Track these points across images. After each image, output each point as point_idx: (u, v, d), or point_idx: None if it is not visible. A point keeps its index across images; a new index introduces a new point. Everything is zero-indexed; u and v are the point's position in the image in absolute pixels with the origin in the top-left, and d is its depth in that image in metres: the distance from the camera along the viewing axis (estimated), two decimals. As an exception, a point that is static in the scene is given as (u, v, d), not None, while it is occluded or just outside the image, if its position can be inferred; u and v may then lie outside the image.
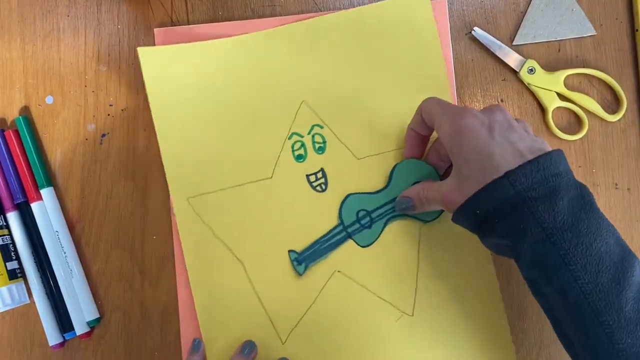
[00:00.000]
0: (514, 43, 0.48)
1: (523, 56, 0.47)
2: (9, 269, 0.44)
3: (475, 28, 0.47)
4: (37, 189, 0.45)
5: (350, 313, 0.44)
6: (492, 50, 0.47)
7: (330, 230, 0.45)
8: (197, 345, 0.43)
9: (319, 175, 0.45)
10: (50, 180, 0.46)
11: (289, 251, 0.44)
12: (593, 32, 0.48)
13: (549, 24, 0.47)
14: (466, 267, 0.45)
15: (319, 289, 0.44)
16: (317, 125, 0.46)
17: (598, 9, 0.48)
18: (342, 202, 0.45)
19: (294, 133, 0.46)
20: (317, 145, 0.46)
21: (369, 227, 0.45)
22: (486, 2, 0.48)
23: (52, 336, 0.44)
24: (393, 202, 0.44)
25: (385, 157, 0.46)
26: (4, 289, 0.43)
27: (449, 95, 0.46)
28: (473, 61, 0.48)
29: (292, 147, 0.46)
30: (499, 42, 0.47)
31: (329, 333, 0.44)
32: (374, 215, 0.45)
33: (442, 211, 0.44)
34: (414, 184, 0.44)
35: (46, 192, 0.45)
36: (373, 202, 0.45)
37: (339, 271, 0.44)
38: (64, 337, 0.45)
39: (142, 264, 0.46)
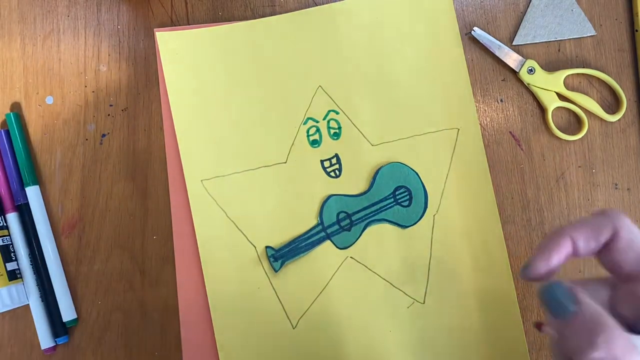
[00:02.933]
0: (514, 43, 0.48)
1: (523, 56, 0.47)
2: (8, 269, 0.44)
3: (475, 28, 0.47)
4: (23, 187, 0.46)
5: (362, 299, 0.44)
6: (491, 50, 0.47)
7: (310, 230, 0.45)
8: None
9: (334, 161, 0.46)
10: (36, 179, 0.46)
11: (266, 247, 0.44)
12: (593, 33, 0.48)
13: (548, 24, 0.48)
14: (478, 254, 0.45)
15: (330, 275, 0.44)
16: (333, 110, 0.46)
17: (598, 10, 0.48)
18: (324, 203, 0.45)
19: (309, 118, 0.46)
20: (332, 131, 0.46)
21: (348, 229, 0.45)
22: (486, 2, 0.48)
23: (44, 340, 0.44)
24: (374, 206, 0.45)
25: (400, 144, 0.46)
26: (4, 290, 0.43)
27: (468, 84, 0.47)
28: (473, 61, 0.48)
29: (307, 132, 0.46)
30: (498, 42, 0.47)
31: (340, 319, 0.44)
32: (354, 218, 0.45)
33: (423, 215, 0.45)
34: (397, 188, 0.45)
35: (31, 190, 0.45)
36: (354, 204, 0.45)
37: (351, 257, 0.45)
38: (55, 341, 0.45)
39: (142, 264, 0.46)
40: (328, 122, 0.46)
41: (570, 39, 0.48)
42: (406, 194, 0.45)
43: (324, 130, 0.46)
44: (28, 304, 0.45)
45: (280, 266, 0.44)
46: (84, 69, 0.47)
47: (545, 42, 0.48)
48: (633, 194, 0.47)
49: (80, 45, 0.47)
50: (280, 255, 0.44)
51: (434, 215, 0.45)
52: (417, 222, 0.45)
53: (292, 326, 0.44)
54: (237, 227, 0.45)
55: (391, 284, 0.45)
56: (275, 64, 0.46)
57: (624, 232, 0.26)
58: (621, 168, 0.47)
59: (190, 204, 0.45)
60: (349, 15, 0.47)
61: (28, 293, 0.45)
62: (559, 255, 0.27)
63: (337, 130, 0.46)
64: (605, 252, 0.27)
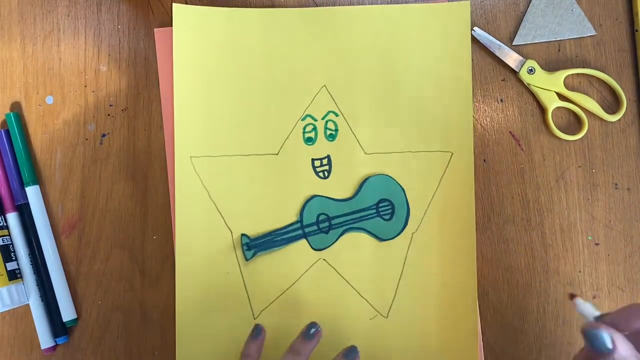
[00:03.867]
0: (514, 43, 0.48)
1: (523, 56, 0.47)
2: (8, 269, 0.44)
3: (475, 28, 0.47)
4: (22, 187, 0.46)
5: (326, 302, 0.45)
6: (491, 50, 0.47)
7: (288, 225, 0.45)
8: (258, 331, 0.39)
9: (325, 161, 0.46)
10: (36, 178, 0.46)
11: (242, 235, 0.44)
12: (593, 33, 0.48)
13: (548, 24, 0.48)
14: (449, 278, 0.45)
15: (300, 273, 0.45)
16: (333, 112, 0.46)
17: (598, 9, 0.48)
18: (307, 201, 0.45)
19: (308, 115, 0.46)
20: (328, 132, 0.46)
21: (326, 232, 0.45)
22: (486, 2, 0.48)
23: (44, 340, 0.44)
24: (355, 214, 0.45)
25: (393, 157, 0.46)
26: (4, 290, 0.43)
27: (470, 111, 0.46)
28: (473, 61, 0.48)
29: (304, 128, 0.46)
30: (498, 42, 0.47)
31: (302, 317, 0.44)
32: (333, 222, 0.45)
33: (402, 231, 0.45)
34: (381, 200, 0.45)
35: (31, 190, 0.45)
36: (336, 208, 0.45)
37: (324, 259, 0.45)
38: (55, 341, 0.45)
39: (142, 264, 0.46)
40: (326, 122, 0.46)
41: (570, 39, 0.48)
42: (389, 207, 0.45)
43: (320, 130, 0.46)
44: (28, 304, 0.45)
45: (252, 256, 0.44)
46: (84, 68, 0.47)
47: (545, 42, 0.48)
48: (633, 194, 0.47)
49: (81, 45, 0.48)
50: (254, 245, 0.44)
51: (412, 234, 0.45)
52: (395, 237, 0.45)
53: (253, 316, 0.44)
54: (217, 209, 0.45)
55: (358, 293, 0.45)
56: (284, 55, 0.46)
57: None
58: (621, 168, 0.47)
59: (175, 178, 0.45)
60: (365, 21, 0.46)
61: (28, 293, 0.45)
62: (627, 325, 0.32)
63: (334, 132, 0.46)
64: None
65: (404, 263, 0.45)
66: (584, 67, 0.47)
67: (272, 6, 0.48)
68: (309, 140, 0.46)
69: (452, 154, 0.46)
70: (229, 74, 0.46)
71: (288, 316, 0.44)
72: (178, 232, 0.44)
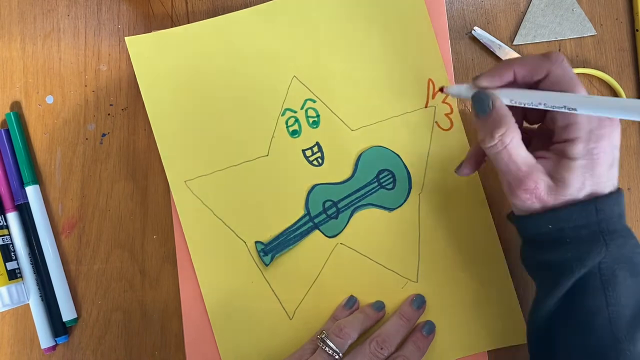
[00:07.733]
0: (514, 43, 0.48)
1: (523, 56, 0.47)
2: (8, 269, 0.44)
3: (476, 28, 0.47)
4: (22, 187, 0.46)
5: (356, 284, 0.45)
6: (492, 50, 0.47)
7: (297, 221, 0.45)
8: (352, 302, 0.44)
9: (315, 149, 0.46)
10: (36, 178, 0.46)
11: (256, 242, 0.45)
12: (593, 32, 0.48)
13: (549, 24, 0.48)
14: (467, 229, 0.45)
15: (322, 263, 0.45)
16: (310, 99, 0.46)
17: (598, 9, 0.48)
18: (309, 193, 0.45)
19: (287, 109, 0.46)
20: (310, 120, 0.46)
21: (336, 217, 0.45)
22: (486, 2, 0.48)
23: (44, 339, 0.45)
24: (358, 192, 0.45)
25: (379, 126, 0.46)
26: (4, 289, 0.43)
27: (441, 62, 0.46)
28: (473, 61, 0.48)
29: (286, 123, 0.46)
30: (499, 42, 0.47)
31: (336, 305, 0.44)
32: (340, 205, 0.45)
33: (408, 196, 0.45)
34: (380, 172, 0.45)
35: (31, 190, 0.45)
36: (339, 192, 0.45)
37: (341, 244, 0.45)
38: (55, 341, 0.45)
39: (142, 264, 0.46)
40: (306, 111, 0.46)
41: (570, 38, 0.48)
42: (389, 176, 0.46)
43: (302, 120, 0.46)
44: (28, 304, 0.45)
45: (271, 260, 0.44)
46: (84, 68, 0.47)
47: (546, 41, 0.48)
48: (633, 194, 0.47)
49: (81, 45, 0.48)
50: (270, 249, 0.44)
51: (419, 194, 0.46)
52: (403, 203, 0.45)
53: (289, 317, 0.44)
54: (225, 224, 0.45)
55: (384, 266, 0.45)
56: (247, 57, 0.46)
57: (553, 74, 0.33)
58: (621, 168, 0.47)
59: (176, 206, 0.45)
60: (318, 4, 0.46)
61: (28, 292, 0.45)
62: (500, 80, 0.35)
63: (316, 119, 0.46)
64: (540, 86, 0.35)
65: (419, 225, 0.45)
66: (584, 67, 0.47)
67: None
68: (295, 133, 0.46)
69: (435, 107, 0.46)
70: (199, 90, 0.46)
71: (323, 308, 0.44)
72: (194, 257, 0.44)
